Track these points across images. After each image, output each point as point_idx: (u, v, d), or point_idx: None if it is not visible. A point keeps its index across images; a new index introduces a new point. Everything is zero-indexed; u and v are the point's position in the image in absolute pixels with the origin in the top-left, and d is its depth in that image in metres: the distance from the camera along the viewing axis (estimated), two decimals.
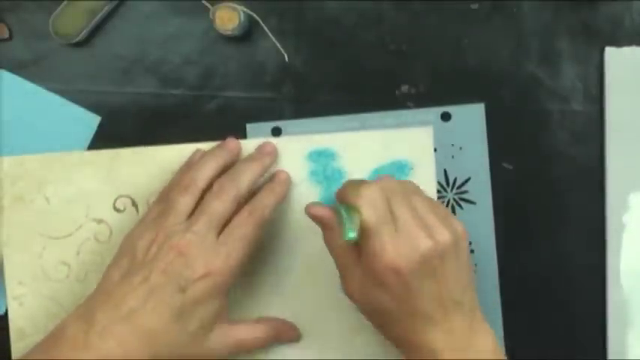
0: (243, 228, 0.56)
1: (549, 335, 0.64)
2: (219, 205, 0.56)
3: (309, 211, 0.55)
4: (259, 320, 0.61)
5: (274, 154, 0.61)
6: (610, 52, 0.64)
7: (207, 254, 0.54)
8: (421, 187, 0.56)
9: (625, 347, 0.63)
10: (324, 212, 0.54)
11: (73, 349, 0.51)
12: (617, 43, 0.64)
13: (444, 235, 0.51)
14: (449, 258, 0.51)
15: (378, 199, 0.51)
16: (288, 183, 0.61)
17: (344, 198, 0.54)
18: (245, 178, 0.58)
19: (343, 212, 0.51)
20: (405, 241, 0.50)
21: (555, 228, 0.64)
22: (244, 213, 0.57)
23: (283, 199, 0.61)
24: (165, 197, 0.58)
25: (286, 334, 0.61)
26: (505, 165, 0.64)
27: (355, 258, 0.53)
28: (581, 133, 0.64)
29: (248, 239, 0.56)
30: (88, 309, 0.53)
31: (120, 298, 0.53)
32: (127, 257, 0.55)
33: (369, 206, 0.51)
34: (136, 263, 0.54)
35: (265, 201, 0.58)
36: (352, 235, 0.50)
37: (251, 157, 0.61)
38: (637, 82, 0.64)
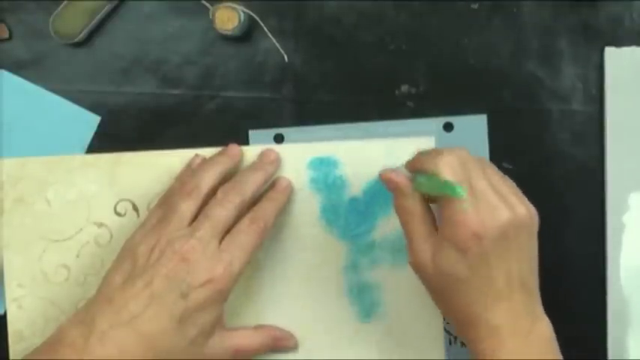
0: (245, 236, 0.56)
1: None
2: (222, 212, 0.56)
3: (383, 176, 0.54)
4: (257, 327, 0.61)
5: (278, 163, 0.61)
6: (610, 52, 0.64)
7: (210, 261, 0.54)
8: None
9: (625, 347, 0.63)
10: (399, 178, 0.54)
11: (73, 353, 0.51)
12: (617, 43, 0.64)
13: (521, 209, 0.51)
14: (523, 233, 0.51)
15: (456, 166, 0.51)
16: (289, 191, 0.61)
17: (421, 165, 0.53)
18: (249, 186, 0.58)
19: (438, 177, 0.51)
20: (485, 209, 0.50)
21: (555, 228, 0.64)
22: (246, 221, 0.57)
23: (284, 207, 0.61)
24: (166, 202, 0.58)
25: (284, 342, 0.61)
26: (505, 165, 0.64)
27: (429, 225, 0.53)
28: (581, 133, 0.64)
29: (250, 247, 0.56)
30: (88, 313, 0.53)
31: (121, 303, 0.53)
32: (129, 262, 0.55)
33: (450, 170, 0.50)
34: (138, 268, 0.54)
35: (267, 209, 0.58)
36: (462, 192, 0.49)
37: (255, 166, 0.61)
38: (637, 82, 0.63)
